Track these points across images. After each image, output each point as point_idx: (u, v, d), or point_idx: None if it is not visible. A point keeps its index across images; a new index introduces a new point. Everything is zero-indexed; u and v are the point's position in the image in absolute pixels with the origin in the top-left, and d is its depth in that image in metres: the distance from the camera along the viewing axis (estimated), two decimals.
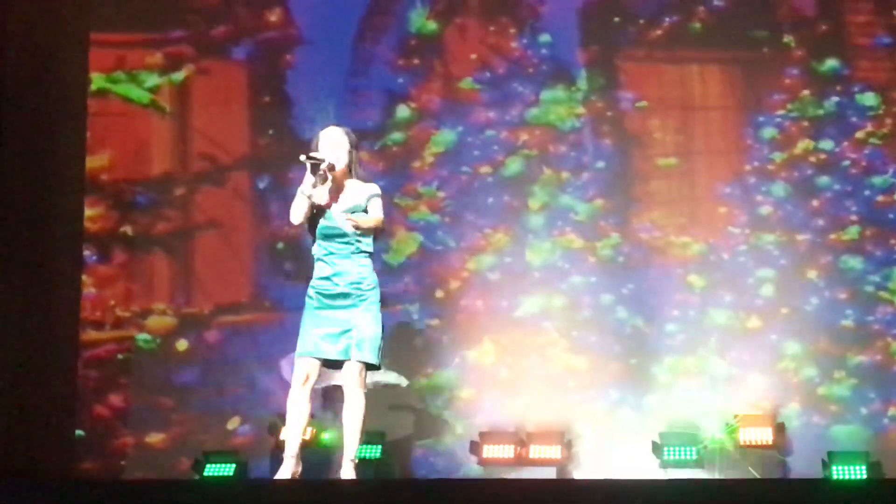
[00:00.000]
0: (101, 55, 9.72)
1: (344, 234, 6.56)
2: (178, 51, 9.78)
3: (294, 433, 6.47)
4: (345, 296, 6.48)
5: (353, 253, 6.58)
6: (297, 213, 6.56)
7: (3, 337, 8.87)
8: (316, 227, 6.63)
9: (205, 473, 8.88)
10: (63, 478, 8.86)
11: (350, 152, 6.65)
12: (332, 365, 6.55)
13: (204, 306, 9.55)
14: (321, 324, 6.47)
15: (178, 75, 9.78)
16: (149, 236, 9.66)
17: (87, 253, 9.58)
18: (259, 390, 9.32)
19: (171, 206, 9.70)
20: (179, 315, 9.55)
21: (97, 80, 9.73)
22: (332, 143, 6.59)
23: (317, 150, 6.64)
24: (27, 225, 9.17)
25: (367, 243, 6.65)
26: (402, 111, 9.63)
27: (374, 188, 6.71)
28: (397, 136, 9.62)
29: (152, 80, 9.77)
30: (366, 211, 6.67)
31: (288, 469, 6.41)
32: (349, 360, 6.49)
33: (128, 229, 9.67)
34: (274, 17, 9.80)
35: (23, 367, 8.96)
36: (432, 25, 9.70)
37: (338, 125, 6.79)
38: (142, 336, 9.54)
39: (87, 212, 9.61)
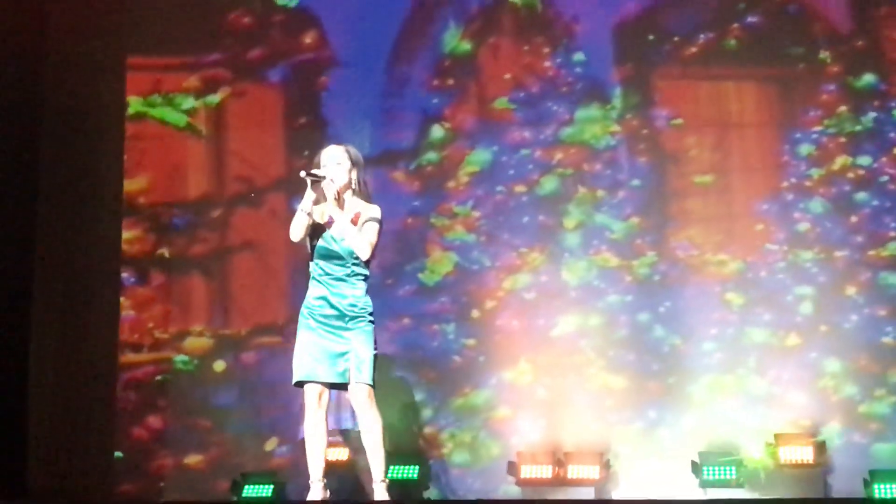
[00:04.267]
0: (138, 79, 9.80)
1: (340, 256, 6.54)
2: (214, 74, 9.85)
3: (316, 459, 6.45)
4: (340, 317, 6.45)
5: (347, 275, 6.55)
6: (297, 230, 6.54)
7: (41, 359, 8.93)
8: (314, 245, 6.59)
9: (243, 495, 8.89)
10: (102, 500, 8.89)
11: (350, 171, 6.61)
12: (333, 386, 6.51)
13: (241, 328, 9.59)
14: (317, 345, 6.45)
15: (214, 98, 9.84)
16: (186, 258, 9.72)
17: (124, 275, 9.64)
18: (297, 411, 9.29)
19: (208, 228, 9.75)
20: (217, 336, 9.59)
21: (134, 104, 9.80)
22: (333, 161, 6.57)
23: (318, 168, 6.62)
24: (66, 248, 9.24)
25: (363, 266, 6.61)
26: (437, 131, 9.64)
27: (373, 211, 6.60)
28: (432, 156, 9.63)
29: (189, 102, 9.84)
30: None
31: (316, 494, 6.40)
32: (349, 382, 6.44)
33: (165, 251, 9.73)
34: (309, 39, 9.85)
35: (61, 389, 9.01)
36: (466, 46, 9.71)
37: (339, 143, 6.73)
38: (179, 358, 9.58)
39: (125, 234, 9.67)
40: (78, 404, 9.12)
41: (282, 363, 9.44)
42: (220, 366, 9.56)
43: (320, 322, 6.45)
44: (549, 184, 9.52)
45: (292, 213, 9.69)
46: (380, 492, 6.45)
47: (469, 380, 9.32)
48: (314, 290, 6.54)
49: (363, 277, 6.56)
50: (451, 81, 9.68)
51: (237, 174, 9.78)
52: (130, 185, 9.74)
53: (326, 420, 6.49)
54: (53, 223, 9.15)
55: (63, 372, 9.06)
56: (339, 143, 6.76)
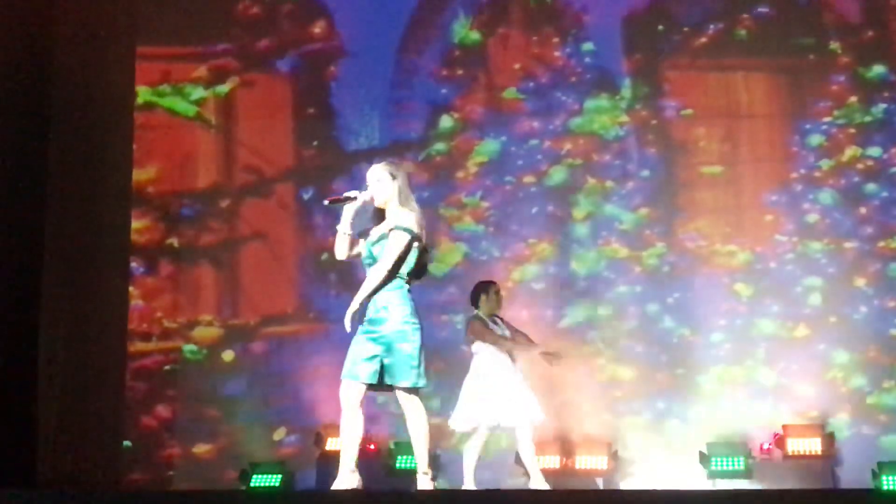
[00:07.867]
0: (148, 69, 9.81)
1: (376, 262, 6.64)
2: (223, 64, 9.86)
3: (350, 450, 6.56)
4: (375, 322, 6.56)
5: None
6: (339, 250, 6.71)
7: (51, 349, 8.95)
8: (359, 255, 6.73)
9: (251, 484, 8.92)
10: (111, 488, 8.92)
11: (391, 184, 6.66)
12: (376, 386, 6.62)
13: (250, 317, 9.60)
14: (361, 347, 6.56)
15: (223, 88, 9.85)
16: (195, 248, 9.73)
17: (134, 265, 9.65)
18: (305, 401, 9.35)
19: (217, 218, 9.76)
20: (226, 326, 9.61)
21: (143, 94, 9.81)
22: (373, 179, 6.67)
23: (367, 189, 6.69)
24: (75, 237, 9.25)
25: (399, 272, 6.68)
26: (446, 122, 9.64)
27: (397, 219, 6.62)
28: (441, 146, 9.63)
29: (198, 92, 9.85)
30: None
31: (346, 483, 6.50)
32: (394, 383, 6.57)
33: (174, 241, 9.75)
34: (318, 29, 9.85)
35: (70, 378, 9.03)
36: (475, 36, 9.70)
37: (381, 161, 6.85)
38: (188, 347, 9.61)
39: (134, 224, 9.69)
40: (87, 393, 9.13)
41: (290, 353, 9.51)
42: (228, 355, 9.58)
43: (364, 327, 6.57)
44: (557, 174, 9.51)
45: (301, 202, 9.74)
46: (423, 482, 6.61)
47: None
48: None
49: (401, 279, 6.61)
50: (460, 71, 9.67)
51: (246, 164, 9.79)
52: (139, 174, 9.75)
53: (362, 414, 6.59)
54: (62, 213, 9.16)
55: (72, 361, 9.07)
56: (379, 160, 6.88)
